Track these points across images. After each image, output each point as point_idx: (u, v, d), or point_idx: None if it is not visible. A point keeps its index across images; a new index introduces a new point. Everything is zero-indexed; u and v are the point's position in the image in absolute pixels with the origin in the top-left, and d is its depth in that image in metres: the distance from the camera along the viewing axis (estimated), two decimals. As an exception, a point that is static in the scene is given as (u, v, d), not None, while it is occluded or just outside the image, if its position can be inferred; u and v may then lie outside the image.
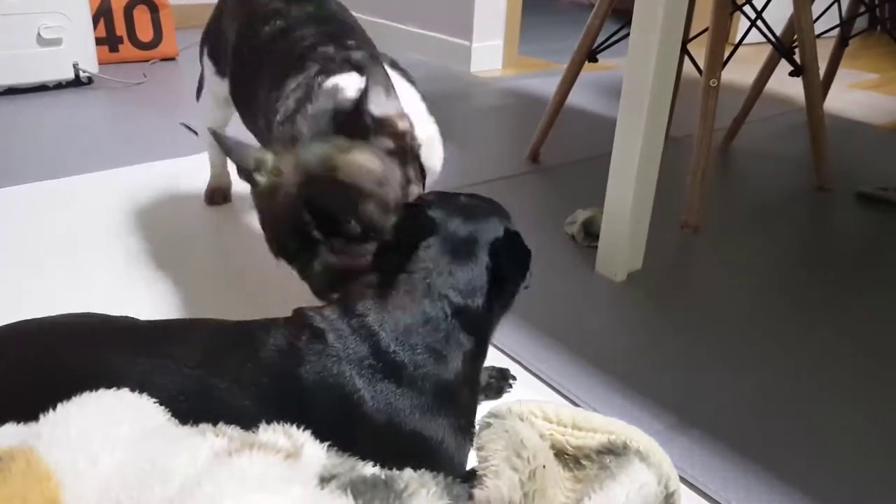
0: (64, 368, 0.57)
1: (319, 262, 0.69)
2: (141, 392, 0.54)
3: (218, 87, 1.11)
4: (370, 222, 0.67)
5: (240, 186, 1.32)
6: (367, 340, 0.57)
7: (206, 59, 1.14)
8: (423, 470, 0.50)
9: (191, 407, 0.54)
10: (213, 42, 1.11)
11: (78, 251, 1.11)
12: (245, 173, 0.72)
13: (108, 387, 0.54)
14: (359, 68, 0.79)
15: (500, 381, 0.84)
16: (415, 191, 0.74)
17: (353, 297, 0.61)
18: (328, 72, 0.79)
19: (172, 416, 0.54)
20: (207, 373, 0.56)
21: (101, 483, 0.47)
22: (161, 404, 0.54)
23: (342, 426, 0.54)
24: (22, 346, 0.60)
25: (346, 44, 0.86)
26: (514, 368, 0.88)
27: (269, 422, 0.54)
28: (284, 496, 0.46)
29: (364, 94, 0.69)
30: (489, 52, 2.59)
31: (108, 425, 0.51)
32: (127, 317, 0.64)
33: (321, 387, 0.55)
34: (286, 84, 0.81)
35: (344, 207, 0.67)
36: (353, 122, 0.70)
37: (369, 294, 0.60)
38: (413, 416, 0.55)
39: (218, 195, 1.31)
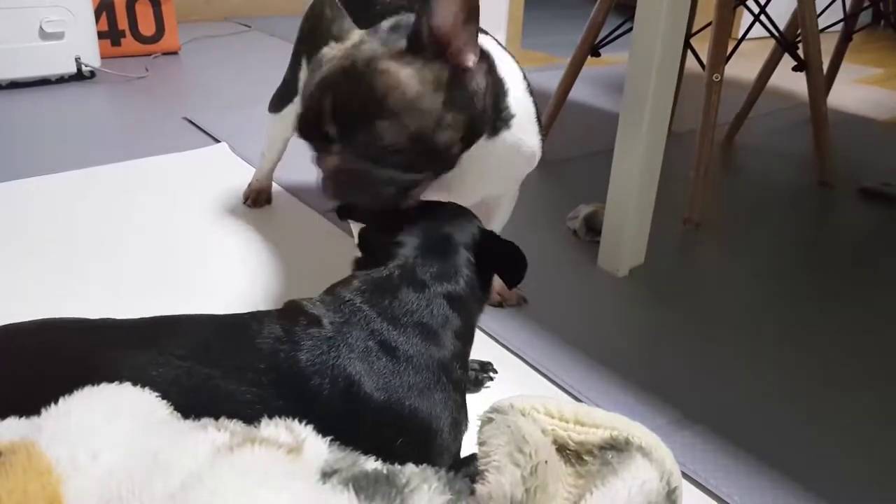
0: (60, 364, 0.57)
1: (328, 159, 0.65)
2: (135, 385, 0.54)
3: None
4: (377, 139, 0.63)
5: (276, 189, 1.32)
6: (362, 323, 0.59)
7: (303, 70, 1.07)
8: (424, 465, 0.50)
9: (185, 397, 0.54)
10: (312, 46, 1.06)
11: (78, 246, 1.11)
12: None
13: (104, 381, 0.54)
14: None
15: (480, 374, 0.84)
16: (445, 130, 0.66)
17: (341, 286, 0.63)
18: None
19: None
20: (199, 362, 0.56)
21: (103, 477, 0.47)
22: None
23: (343, 407, 0.55)
24: (18, 343, 0.60)
25: None
26: (516, 363, 0.88)
27: (267, 406, 0.54)
28: (286, 491, 0.46)
29: (435, 8, 0.62)
30: (491, 46, 2.59)
31: (110, 419, 0.51)
32: (109, 318, 0.63)
33: (321, 369, 0.56)
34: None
35: (361, 113, 0.63)
36: (417, 34, 0.64)
37: (357, 283, 0.62)
38: (411, 393, 0.56)
39: (263, 197, 1.28)
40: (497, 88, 0.72)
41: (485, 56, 0.70)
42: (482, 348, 0.91)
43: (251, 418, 0.54)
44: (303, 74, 1.08)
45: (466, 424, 0.61)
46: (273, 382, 0.56)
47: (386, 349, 0.58)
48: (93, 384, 0.53)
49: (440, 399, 0.58)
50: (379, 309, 0.60)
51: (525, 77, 0.77)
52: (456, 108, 0.66)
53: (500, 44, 0.78)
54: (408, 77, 0.64)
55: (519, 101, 0.74)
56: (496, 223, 0.93)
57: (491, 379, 0.84)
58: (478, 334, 0.93)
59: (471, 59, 0.66)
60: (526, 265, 0.67)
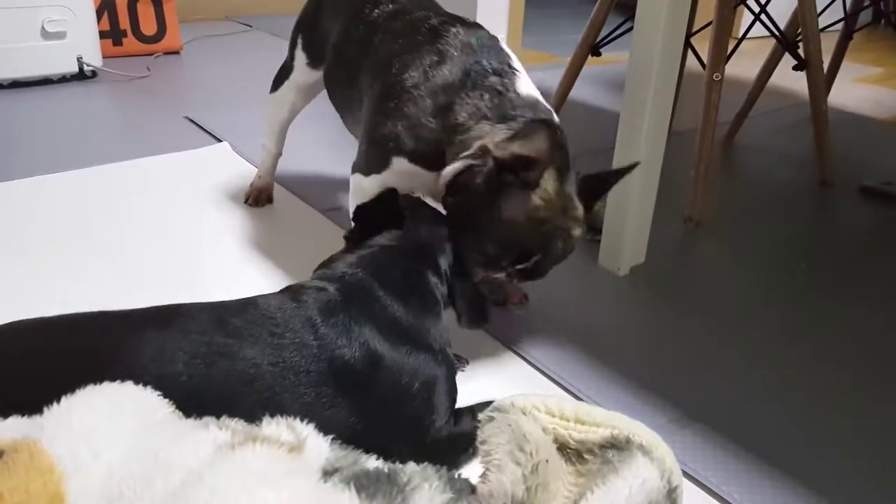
0: (73, 356, 0.58)
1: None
2: (155, 361, 0.56)
3: (305, 77, 1.14)
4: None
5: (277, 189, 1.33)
6: (365, 290, 0.65)
7: (298, 51, 1.14)
8: (425, 464, 0.50)
9: (208, 367, 0.57)
10: (308, 34, 1.12)
11: (81, 245, 1.12)
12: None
13: (119, 363, 0.56)
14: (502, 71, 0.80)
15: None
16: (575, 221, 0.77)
17: (335, 262, 0.70)
18: (482, 68, 0.79)
19: (189, 379, 0.56)
20: (218, 335, 0.59)
21: (104, 476, 0.47)
22: (177, 369, 0.57)
23: (359, 361, 0.61)
24: (22, 340, 0.60)
25: (470, 23, 0.87)
26: (516, 361, 0.88)
27: (286, 364, 0.58)
28: (287, 490, 0.46)
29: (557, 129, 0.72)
30: (492, 45, 2.59)
31: (111, 418, 0.51)
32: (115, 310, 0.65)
33: (334, 325, 0.61)
34: (421, 52, 0.82)
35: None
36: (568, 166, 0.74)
37: (350, 259, 0.69)
38: (413, 352, 0.63)
39: (264, 196, 1.28)
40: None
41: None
42: (482, 345, 0.91)
43: (274, 377, 0.58)
44: (298, 56, 1.14)
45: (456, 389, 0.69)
46: (290, 346, 0.60)
47: (389, 314, 0.64)
48: (117, 368, 0.54)
49: (434, 358, 0.65)
50: (379, 278, 0.66)
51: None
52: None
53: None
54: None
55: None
56: None
57: (461, 370, 0.86)
58: (478, 332, 0.93)
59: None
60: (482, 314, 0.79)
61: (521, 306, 1.00)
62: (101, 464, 0.48)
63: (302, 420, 0.54)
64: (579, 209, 0.77)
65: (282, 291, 0.67)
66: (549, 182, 0.73)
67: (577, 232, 0.77)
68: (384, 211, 0.74)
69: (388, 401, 0.62)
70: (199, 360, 0.57)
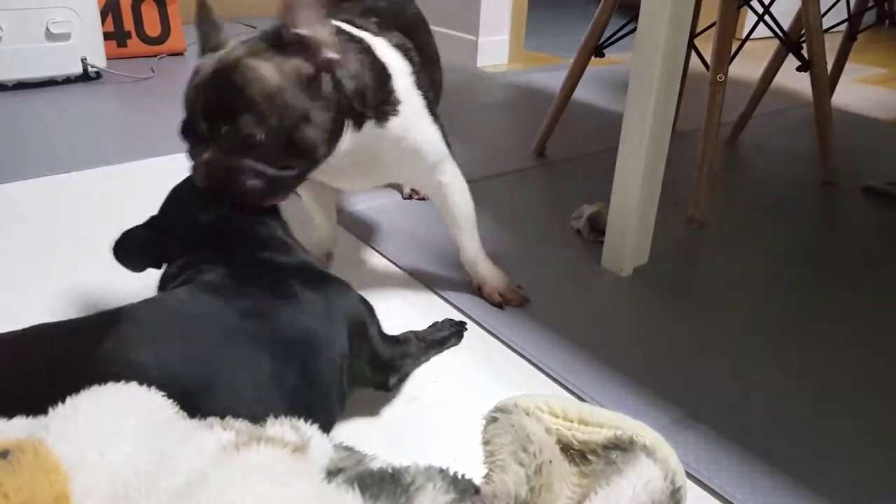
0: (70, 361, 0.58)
1: (203, 159, 0.69)
2: (187, 305, 0.62)
3: None
4: (241, 130, 0.67)
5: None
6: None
7: None
8: (429, 465, 0.50)
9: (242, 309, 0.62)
10: None
11: (86, 246, 1.12)
12: (203, 50, 0.74)
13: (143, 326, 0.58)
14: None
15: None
16: (312, 126, 0.71)
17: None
18: None
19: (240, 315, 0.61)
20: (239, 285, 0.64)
21: (110, 476, 0.47)
22: (221, 313, 0.61)
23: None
24: (30, 344, 0.60)
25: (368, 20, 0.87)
26: (519, 362, 0.88)
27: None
28: (291, 490, 0.46)
29: (287, 9, 0.68)
30: (495, 46, 2.59)
31: (117, 418, 0.51)
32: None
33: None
34: None
35: (225, 106, 0.68)
36: (277, 35, 0.70)
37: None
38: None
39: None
40: (379, 73, 0.77)
41: (365, 49, 0.77)
42: (485, 347, 0.91)
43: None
44: None
45: None
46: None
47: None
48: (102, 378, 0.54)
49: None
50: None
51: (414, 73, 0.84)
52: (320, 101, 0.71)
53: (395, 46, 0.84)
54: (268, 70, 0.68)
55: (407, 91, 0.80)
56: (456, 221, 0.96)
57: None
58: (480, 333, 0.93)
59: (331, 53, 0.70)
60: None
61: (521, 307, 1.00)
62: (107, 463, 0.48)
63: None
64: None
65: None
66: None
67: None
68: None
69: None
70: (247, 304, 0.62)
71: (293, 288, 0.66)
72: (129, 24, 2.31)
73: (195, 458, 0.48)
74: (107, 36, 2.15)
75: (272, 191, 0.71)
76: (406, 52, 0.86)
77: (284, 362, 0.61)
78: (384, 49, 0.81)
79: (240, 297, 0.63)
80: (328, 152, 0.74)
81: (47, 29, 1.94)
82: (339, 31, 0.75)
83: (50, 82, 1.98)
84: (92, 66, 2.03)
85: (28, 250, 1.11)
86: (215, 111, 0.68)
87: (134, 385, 0.55)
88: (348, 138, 0.77)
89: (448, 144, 0.91)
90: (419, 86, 0.84)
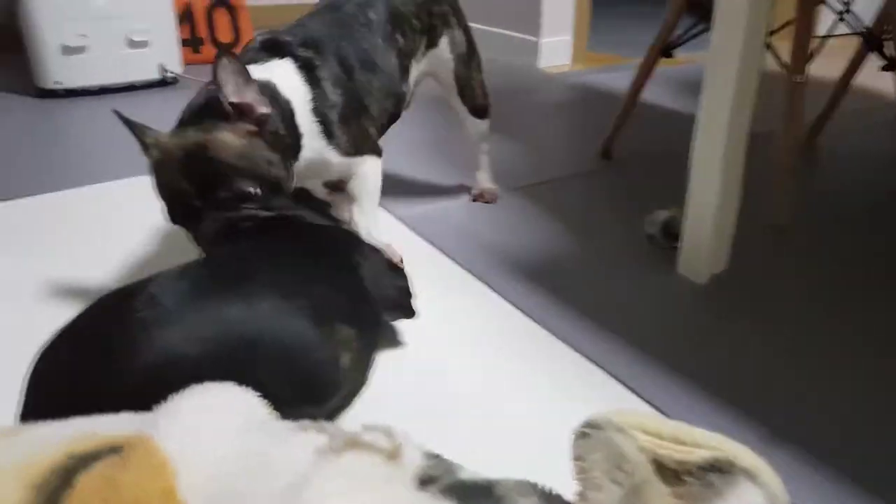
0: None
1: (203, 225, 0.82)
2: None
3: None
4: (237, 189, 0.81)
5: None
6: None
7: None
8: (522, 479, 0.50)
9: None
10: None
11: (166, 245, 1.17)
12: (144, 148, 0.85)
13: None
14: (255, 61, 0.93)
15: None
16: (275, 167, 0.86)
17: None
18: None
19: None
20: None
21: (212, 474, 0.49)
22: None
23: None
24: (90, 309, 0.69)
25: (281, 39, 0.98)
26: (596, 373, 0.87)
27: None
28: (389, 497, 0.47)
29: (220, 86, 0.81)
30: (558, 47, 2.57)
31: (218, 417, 0.53)
32: None
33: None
34: None
35: (213, 177, 0.81)
36: (218, 109, 0.83)
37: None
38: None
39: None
40: (286, 114, 0.90)
41: (272, 92, 0.89)
42: (560, 358, 0.90)
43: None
44: None
45: None
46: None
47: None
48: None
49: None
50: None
51: (314, 98, 0.95)
52: (270, 147, 0.86)
53: (298, 64, 0.95)
54: (230, 138, 0.82)
55: (307, 121, 0.94)
56: (357, 199, 1.07)
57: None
58: (555, 344, 0.92)
59: (262, 108, 0.84)
60: None
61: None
62: (209, 462, 0.50)
63: None
64: None
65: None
66: None
67: None
68: None
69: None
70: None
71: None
72: (202, 30, 2.39)
73: (293, 461, 0.49)
74: (182, 43, 2.23)
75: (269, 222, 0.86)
76: (310, 71, 0.96)
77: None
78: (287, 80, 0.93)
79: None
80: (292, 179, 0.91)
81: (128, 37, 2.03)
82: (259, 85, 0.86)
83: (130, 87, 2.07)
84: (169, 72, 2.11)
85: (115, 249, 1.16)
86: (207, 185, 0.81)
87: (232, 385, 0.57)
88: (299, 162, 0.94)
89: (369, 137, 1.03)
90: (318, 111, 0.95)
